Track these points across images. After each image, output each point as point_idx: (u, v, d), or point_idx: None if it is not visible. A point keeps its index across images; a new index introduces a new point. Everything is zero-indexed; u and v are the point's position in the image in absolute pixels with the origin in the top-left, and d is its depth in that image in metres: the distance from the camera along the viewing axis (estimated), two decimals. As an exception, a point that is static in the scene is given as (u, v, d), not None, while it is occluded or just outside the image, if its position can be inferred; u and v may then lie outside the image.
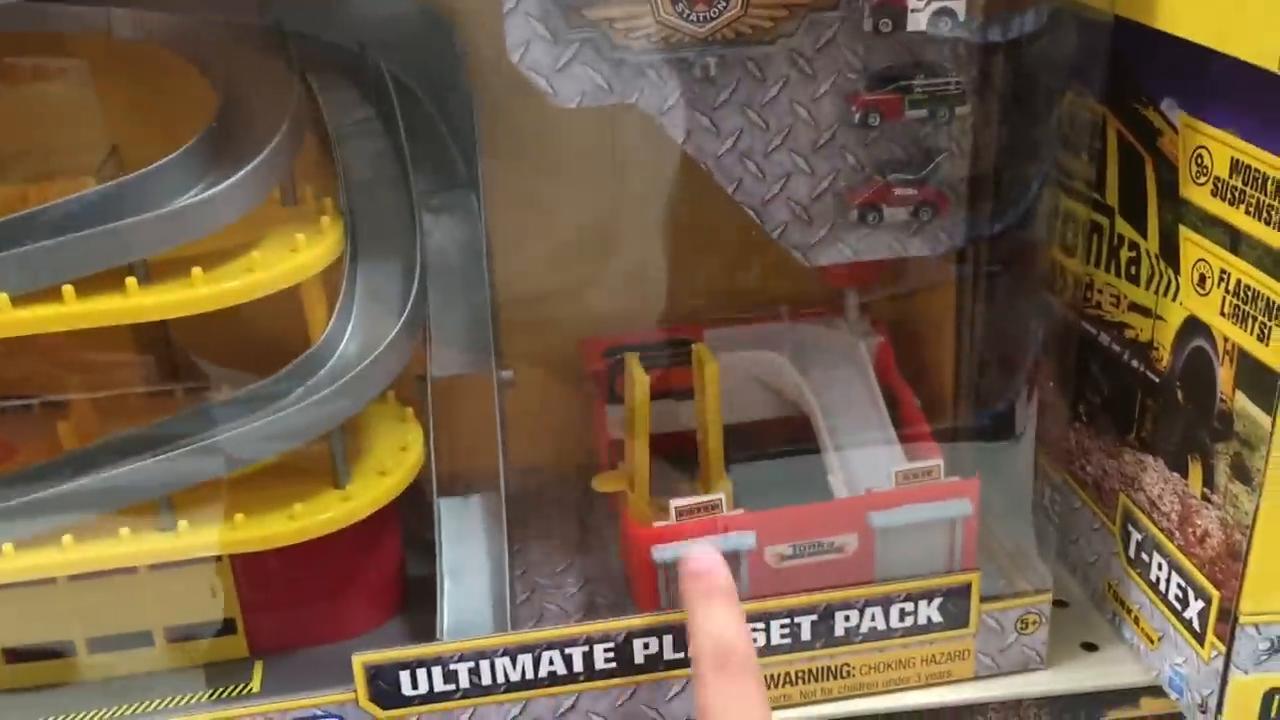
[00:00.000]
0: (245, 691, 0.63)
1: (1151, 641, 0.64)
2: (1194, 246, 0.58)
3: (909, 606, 0.64)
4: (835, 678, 0.65)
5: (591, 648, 0.62)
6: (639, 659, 0.63)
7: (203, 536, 0.58)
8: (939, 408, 0.74)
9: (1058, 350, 0.68)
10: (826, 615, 0.63)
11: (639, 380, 0.68)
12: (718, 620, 0.54)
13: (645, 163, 0.71)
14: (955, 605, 0.64)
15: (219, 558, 0.62)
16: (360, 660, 0.60)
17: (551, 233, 0.75)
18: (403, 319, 0.60)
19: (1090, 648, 0.68)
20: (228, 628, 0.65)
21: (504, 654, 0.61)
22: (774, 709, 0.61)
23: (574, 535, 0.76)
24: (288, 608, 0.64)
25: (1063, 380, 0.69)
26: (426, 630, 0.65)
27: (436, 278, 0.65)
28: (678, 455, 0.73)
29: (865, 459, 0.70)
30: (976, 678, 0.66)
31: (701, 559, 0.57)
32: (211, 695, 0.63)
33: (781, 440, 0.76)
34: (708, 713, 0.52)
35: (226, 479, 0.59)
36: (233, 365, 0.62)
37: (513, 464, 0.68)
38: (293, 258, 0.56)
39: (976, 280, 0.70)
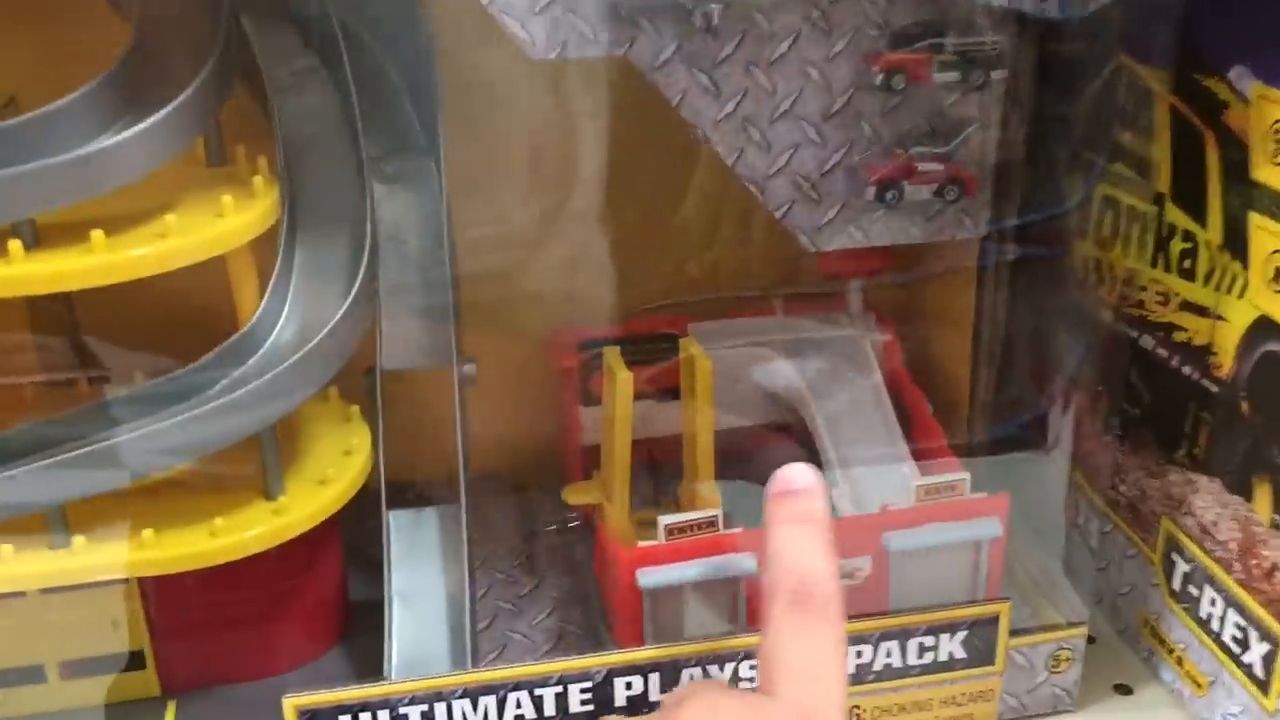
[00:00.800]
0: (155, 738, 0.54)
1: (1199, 686, 0.57)
2: (1268, 236, 0.50)
3: (929, 641, 0.56)
4: (842, 722, 0.56)
5: (565, 688, 0.53)
6: (620, 700, 0.54)
7: (104, 555, 0.49)
8: (953, 416, 0.66)
9: (1092, 354, 0.61)
10: (835, 651, 0.55)
11: (621, 378, 0.59)
12: (803, 550, 0.44)
13: (628, 131, 0.63)
14: (981, 640, 0.56)
15: (125, 580, 0.53)
16: (293, 703, 0.51)
17: (513, 209, 0.66)
18: (349, 301, 0.51)
19: (1124, 690, 0.60)
20: (135, 662, 0.55)
21: (463, 695, 0.52)
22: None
23: (539, 553, 0.67)
24: (207, 638, 0.55)
25: (1097, 388, 0.61)
26: (371, 665, 0.56)
27: (388, 255, 0.56)
28: (656, 464, 0.65)
29: (874, 472, 0.62)
30: (1000, 721, 0.58)
31: (797, 476, 0.46)
32: (115, 742, 0.53)
33: (774, 449, 0.68)
34: (773, 659, 0.42)
35: (134, 488, 0.49)
36: (146, 352, 0.52)
37: (469, 472, 0.59)
38: (217, 224, 0.47)
39: (1000, 273, 0.62)
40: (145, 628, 0.54)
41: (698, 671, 0.54)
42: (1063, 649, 0.57)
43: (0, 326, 0.53)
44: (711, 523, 0.55)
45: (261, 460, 0.51)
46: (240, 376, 0.49)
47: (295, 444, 0.55)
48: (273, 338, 0.51)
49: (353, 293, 0.51)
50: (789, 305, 0.69)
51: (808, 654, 0.41)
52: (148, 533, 0.48)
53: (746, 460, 0.63)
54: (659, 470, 0.65)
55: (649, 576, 0.54)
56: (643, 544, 0.55)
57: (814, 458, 0.64)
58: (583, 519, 0.67)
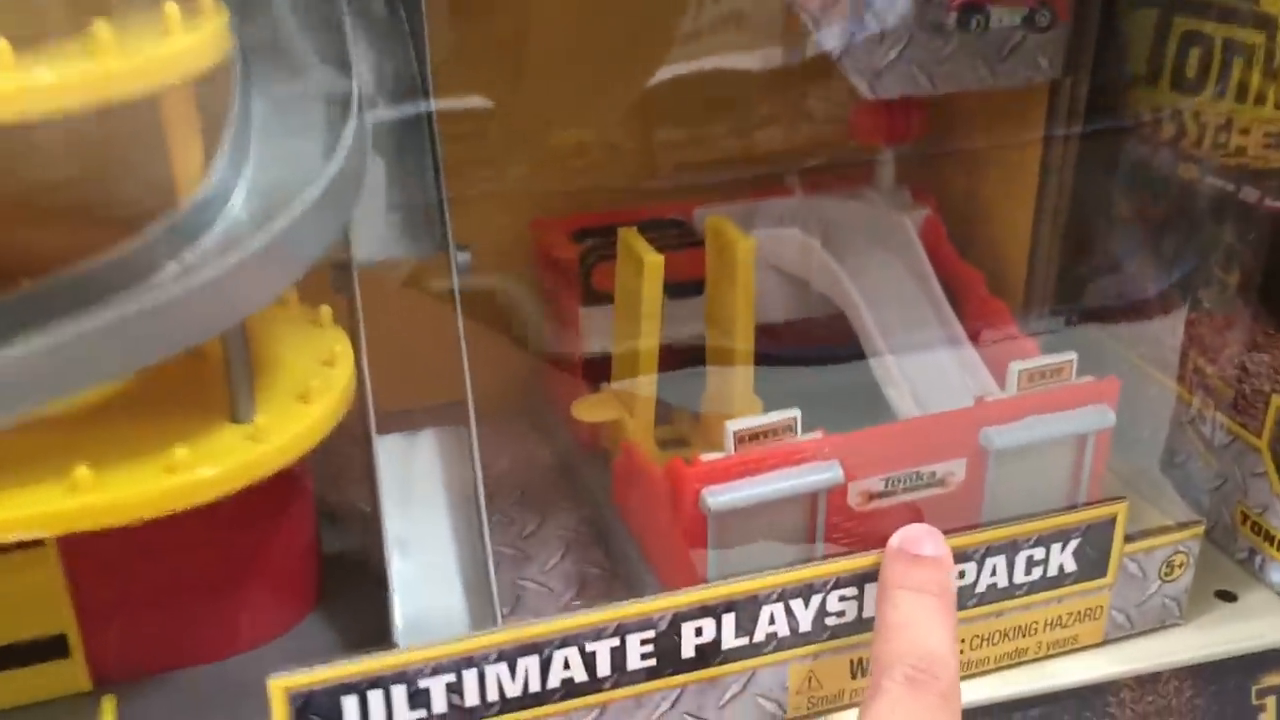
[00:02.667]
0: (89, 745, 0.41)
1: (1323, 583, 0.50)
2: None
3: (1039, 553, 0.47)
4: (938, 656, 0.47)
5: (624, 640, 0.43)
6: (687, 651, 0.44)
7: (20, 506, 0.36)
8: (1006, 297, 0.57)
9: (1177, 218, 0.53)
10: (935, 572, 0.46)
11: (650, 261, 0.48)
12: (929, 627, 0.40)
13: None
14: (1095, 548, 0.48)
15: (38, 542, 0.40)
16: (281, 685, 0.39)
17: (493, 70, 0.55)
18: (335, 165, 0.39)
19: (1227, 596, 0.53)
20: (55, 648, 0.42)
21: (498, 659, 0.41)
22: (845, 706, 0.45)
23: (537, 485, 0.56)
24: (149, 614, 0.42)
25: (1179, 254, 0.54)
26: (358, 635, 0.44)
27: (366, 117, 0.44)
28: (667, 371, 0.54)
29: (932, 363, 0.53)
30: (1106, 641, 0.50)
31: (925, 541, 0.42)
32: (34, 756, 0.40)
33: (808, 346, 0.58)
34: None
35: (61, 415, 0.36)
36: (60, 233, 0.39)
37: (446, 393, 0.48)
38: (163, 44, 0.34)
39: (1071, 126, 0.54)
40: (68, 603, 0.41)
41: (779, 608, 0.44)
42: (1178, 552, 0.50)
43: None
44: (789, 426, 0.45)
45: (227, 372, 0.39)
46: (191, 262, 0.36)
47: (258, 354, 0.42)
48: (230, 213, 0.38)
49: (339, 156, 0.39)
50: (809, 183, 0.59)
51: None
52: (83, 471, 0.35)
53: (781, 355, 0.54)
54: (676, 380, 0.55)
55: (718, 496, 0.44)
56: (706, 458, 0.44)
57: (855, 356, 0.54)
58: (583, 442, 0.56)
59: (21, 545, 0.40)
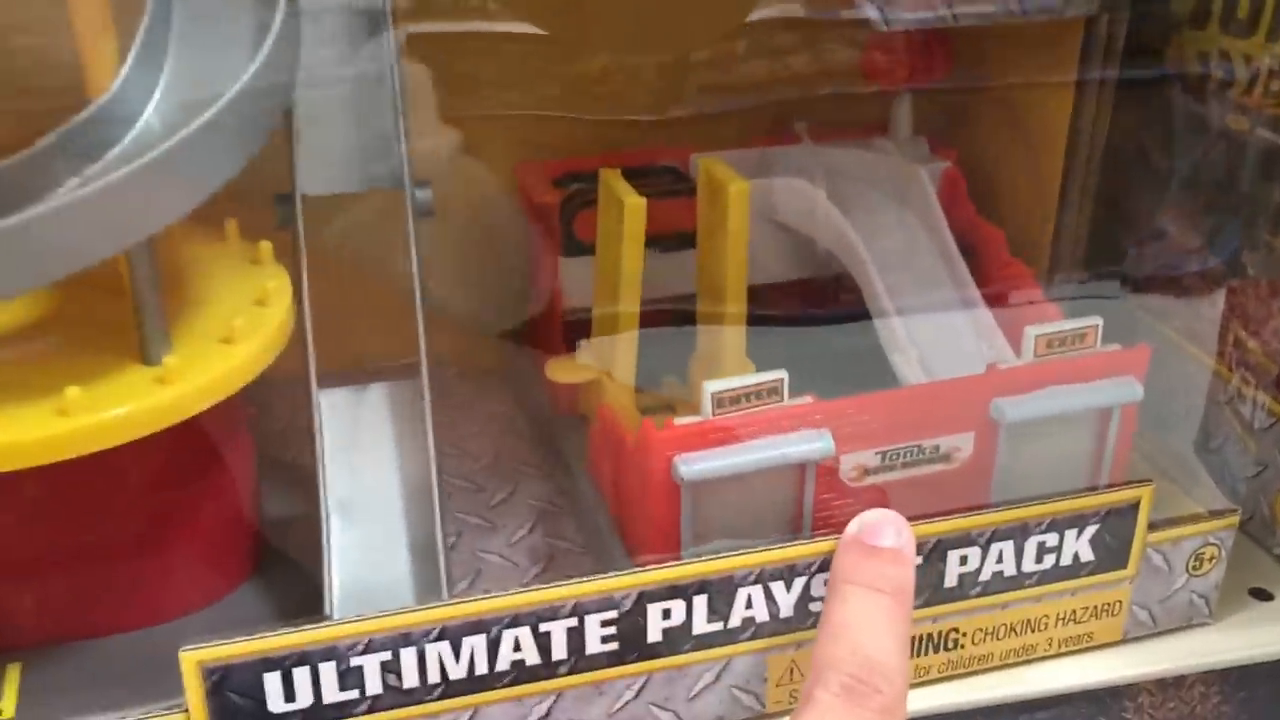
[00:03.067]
0: (-12, 717, 0.37)
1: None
2: None
3: (1051, 539, 0.42)
4: (937, 650, 0.43)
5: (582, 620, 0.38)
6: (654, 635, 0.39)
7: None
8: (1029, 259, 0.52)
9: (1219, 173, 0.48)
10: (934, 557, 0.41)
11: (631, 203, 0.44)
12: (876, 629, 0.35)
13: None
14: (1114, 536, 0.43)
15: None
16: (194, 658, 0.35)
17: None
18: (254, 68, 0.34)
19: (1263, 595, 0.48)
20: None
21: (439, 636, 0.37)
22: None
23: (509, 450, 0.52)
24: (60, 574, 0.38)
25: (1223, 214, 0.49)
26: (299, 605, 0.40)
27: (308, 33, 0.40)
28: (655, 331, 0.50)
29: (944, 328, 0.48)
30: (1125, 640, 0.45)
31: (885, 530, 0.37)
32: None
33: (810, 309, 0.53)
34: None
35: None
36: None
37: (409, 348, 0.43)
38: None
39: (1107, 68, 0.48)
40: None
41: (757, 591, 0.40)
42: (1209, 544, 0.45)
43: None
44: (774, 390, 0.40)
45: (136, 306, 0.34)
46: (95, 171, 0.32)
47: (184, 291, 0.38)
48: (142, 120, 0.34)
49: (260, 59, 0.35)
50: (819, 131, 0.54)
51: None
52: (-39, 411, 0.31)
53: (779, 317, 0.49)
54: (664, 339, 0.50)
55: (692, 465, 0.39)
56: (679, 421, 0.40)
57: (861, 316, 0.50)
58: (560, 405, 0.52)
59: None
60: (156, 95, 0.34)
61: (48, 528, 0.38)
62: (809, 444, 0.40)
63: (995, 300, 0.49)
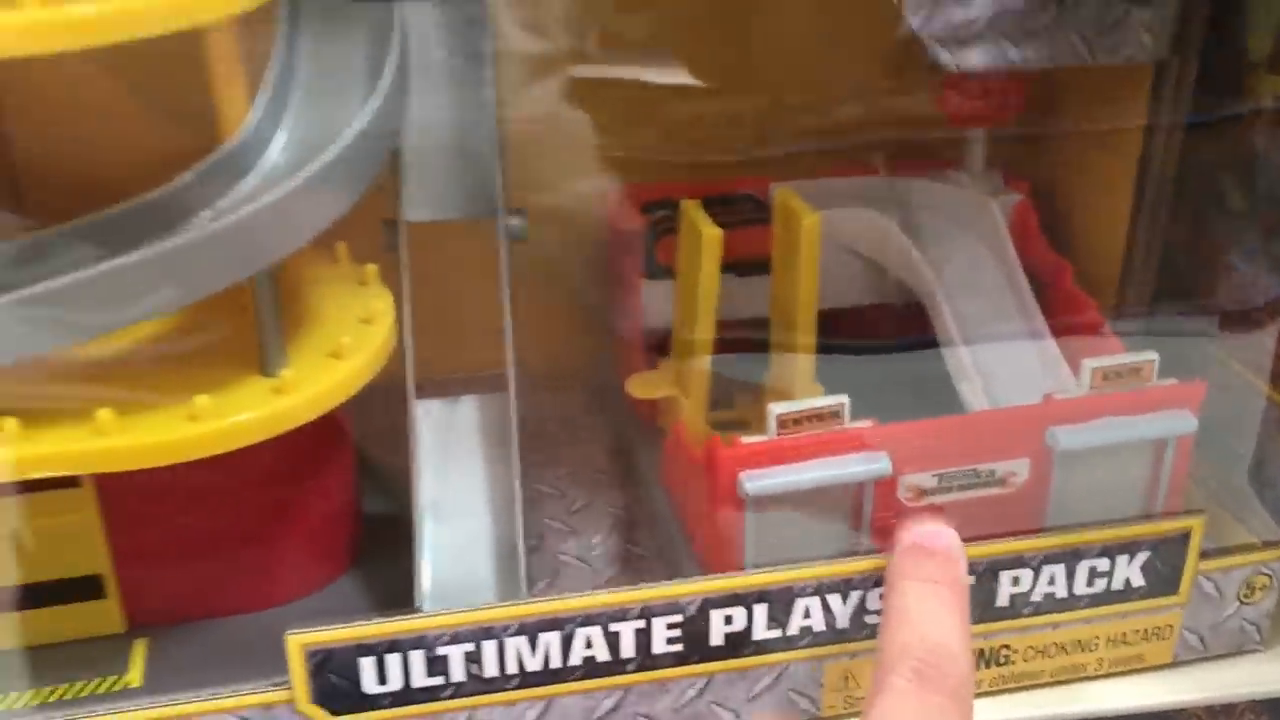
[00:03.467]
0: (119, 687, 0.41)
1: None
2: None
3: (1103, 564, 0.44)
4: (988, 665, 0.45)
5: (649, 623, 0.41)
6: (716, 639, 0.42)
7: (46, 444, 0.36)
8: (1100, 297, 0.54)
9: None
10: (987, 577, 0.43)
11: (708, 235, 0.47)
12: (938, 619, 0.37)
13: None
14: (1166, 563, 0.44)
15: (74, 480, 0.40)
16: (299, 641, 0.39)
17: (566, 36, 0.53)
18: (369, 115, 0.38)
19: (1317, 623, 0.49)
20: (91, 589, 0.43)
21: (518, 631, 0.40)
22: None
23: (593, 459, 0.55)
24: (184, 560, 0.43)
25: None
26: (391, 597, 0.44)
27: (416, 75, 0.43)
28: (734, 353, 0.53)
29: (1010, 358, 0.50)
30: (1175, 663, 0.47)
31: (936, 537, 0.40)
32: (66, 692, 0.41)
33: (881, 334, 0.56)
34: None
35: (88, 360, 0.37)
36: (90, 179, 0.39)
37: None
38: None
39: (1176, 113, 0.50)
40: (104, 544, 0.42)
41: (814, 602, 0.42)
42: (1260, 574, 0.46)
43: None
44: (836, 413, 0.43)
45: (257, 323, 0.39)
46: (226, 205, 0.36)
47: (299, 309, 0.42)
48: (268, 158, 0.38)
49: (375, 104, 0.39)
50: (894, 163, 0.57)
51: None
52: (105, 414, 0.35)
53: (852, 342, 0.51)
54: (744, 360, 0.53)
55: (756, 481, 0.42)
56: (746, 440, 0.43)
57: (930, 344, 0.52)
58: (640, 418, 0.55)
59: (59, 485, 0.41)
60: (281, 137, 0.38)
61: (176, 519, 0.42)
62: (867, 465, 0.43)
63: (1061, 331, 0.51)
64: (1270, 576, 0.46)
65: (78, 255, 0.35)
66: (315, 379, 0.39)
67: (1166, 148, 0.51)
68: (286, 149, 0.38)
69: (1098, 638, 0.46)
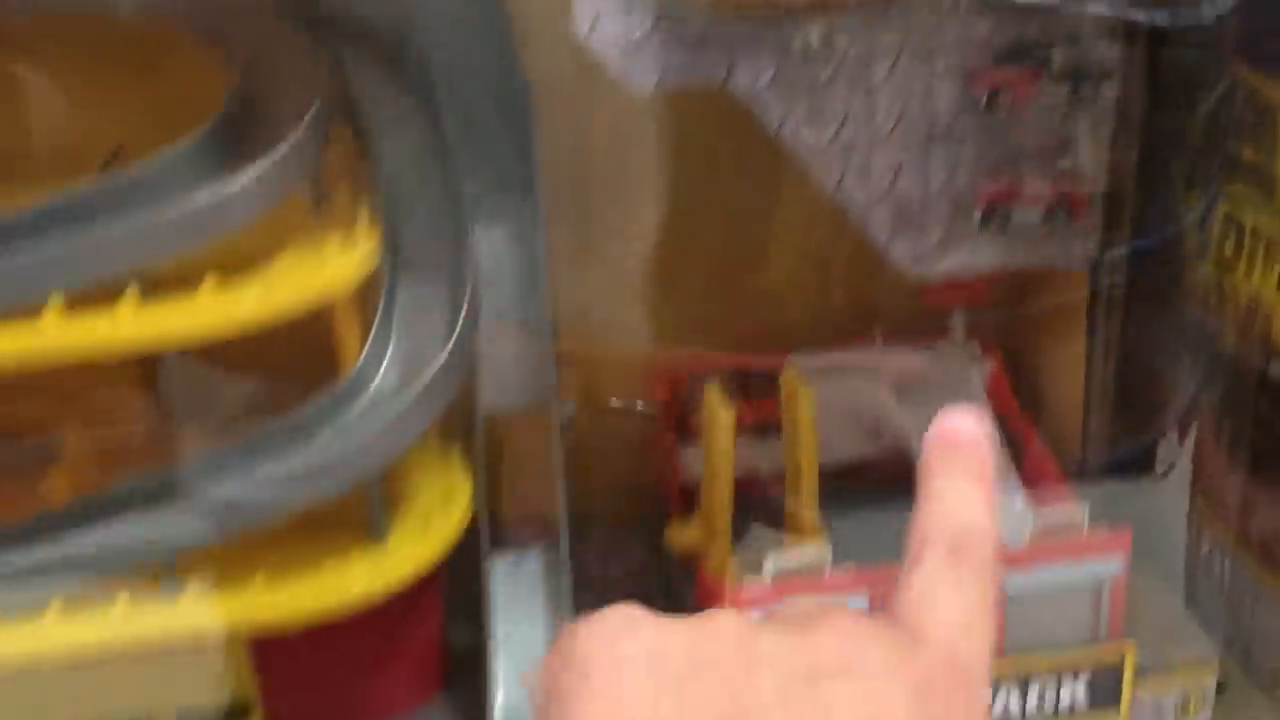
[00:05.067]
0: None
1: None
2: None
3: (1050, 687, 0.53)
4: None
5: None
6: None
7: (216, 607, 0.48)
8: (1063, 448, 0.63)
9: (1214, 383, 0.58)
10: (952, 696, 0.53)
11: (722, 421, 0.58)
12: (969, 502, 0.35)
13: (722, 162, 0.62)
14: (1106, 684, 0.54)
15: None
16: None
17: (612, 244, 0.66)
18: (451, 343, 0.50)
19: (1256, 733, 0.57)
20: (241, 712, 0.55)
21: (571, 745, 0.51)
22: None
23: (642, 597, 0.66)
24: (309, 687, 0.55)
25: (1221, 419, 0.59)
26: (472, 715, 0.55)
27: (489, 296, 0.56)
28: (759, 501, 0.63)
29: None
30: (1127, 770, 0.56)
31: (963, 426, 0.36)
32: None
33: (880, 484, 0.66)
34: (926, 605, 0.34)
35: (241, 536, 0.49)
36: (239, 402, 0.52)
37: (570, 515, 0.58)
38: (323, 270, 0.47)
39: (1114, 298, 0.60)
40: (252, 676, 0.54)
41: None
42: (1193, 692, 0.55)
43: (103, 376, 0.54)
44: (819, 567, 0.53)
45: (368, 502, 0.51)
46: (345, 424, 0.49)
47: (395, 487, 0.54)
48: (376, 382, 0.50)
49: (455, 335, 0.51)
50: (890, 337, 0.68)
51: (967, 607, 0.36)
52: (258, 578, 0.48)
53: (853, 492, 0.62)
54: (766, 507, 0.64)
55: (754, 620, 0.52)
56: (748, 584, 0.53)
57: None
58: (683, 560, 0.66)
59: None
60: (387, 359, 0.51)
61: (303, 653, 0.54)
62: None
63: (1027, 484, 0.60)
64: (1204, 694, 0.55)
65: (242, 462, 0.47)
66: (413, 547, 0.51)
67: (1108, 332, 0.61)
68: (391, 370, 0.51)
69: (1052, 747, 0.55)
